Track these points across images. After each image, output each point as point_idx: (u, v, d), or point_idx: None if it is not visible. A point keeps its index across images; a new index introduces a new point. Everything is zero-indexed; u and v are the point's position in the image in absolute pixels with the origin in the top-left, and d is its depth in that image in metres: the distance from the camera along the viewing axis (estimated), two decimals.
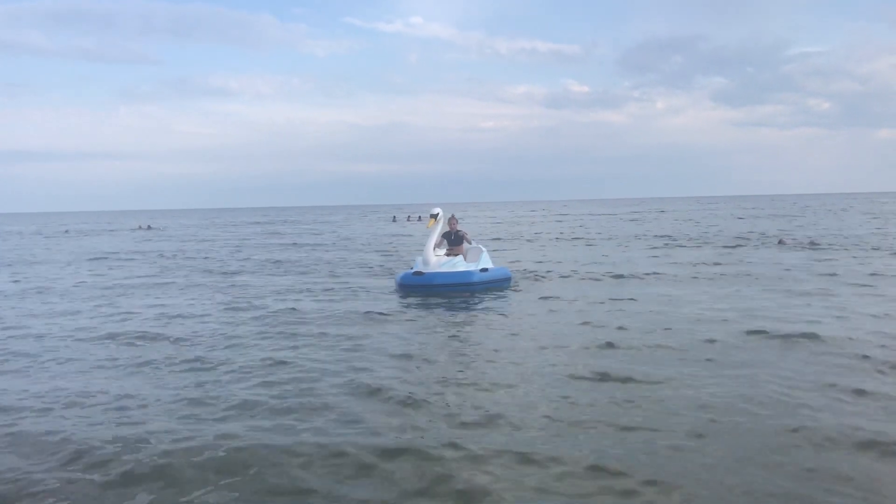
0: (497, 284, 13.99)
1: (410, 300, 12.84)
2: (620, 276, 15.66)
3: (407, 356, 8.25)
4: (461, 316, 11.24)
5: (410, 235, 35.96)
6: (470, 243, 14.87)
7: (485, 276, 13.73)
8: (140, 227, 61.75)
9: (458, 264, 13.80)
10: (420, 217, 62.64)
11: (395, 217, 71.40)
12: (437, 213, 14.30)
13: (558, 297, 12.72)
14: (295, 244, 32.03)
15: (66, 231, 57.87)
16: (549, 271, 17.00)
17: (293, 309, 11.88)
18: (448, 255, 14.33)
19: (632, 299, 12.22)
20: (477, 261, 14.17)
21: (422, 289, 13.39)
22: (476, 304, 12.38)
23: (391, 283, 14.72)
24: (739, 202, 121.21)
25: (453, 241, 14.63)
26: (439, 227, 14.26)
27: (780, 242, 23.36)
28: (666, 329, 9.51)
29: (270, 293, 14.16)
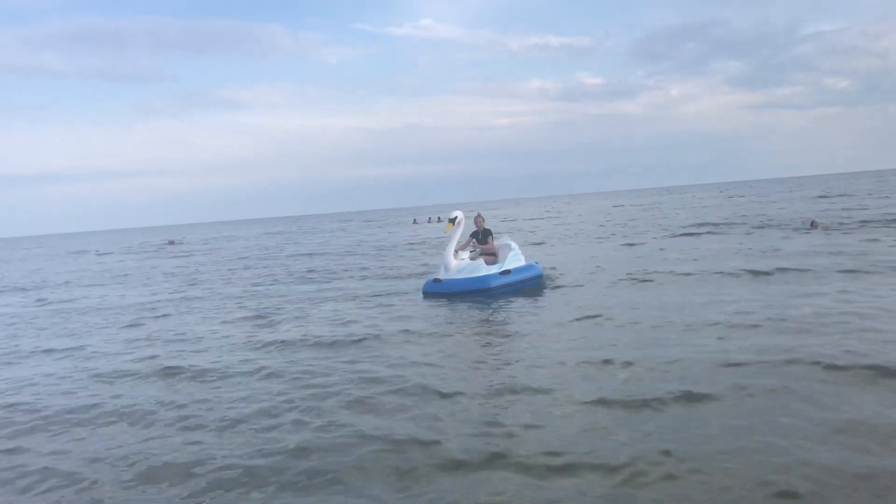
0: (522, 286, 13.62)
1: (435, 310, 12.53)
2: (669, 273, 14.54)
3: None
4: (476, 327, 10.61)
5: (435, 238, 35.86)
6: (493, 239, 14.69)
7: (505, 279, 13.42)
8: (171, 242, 62.07)
9: (478, 268, 13.53)
10: (440, 218, 62.71)
11: (415, 220, 71.49)
12: (456, 217, 14.12)
13: (601, 306, 11.34)
14: (323, 252, 32.09)
15: (97, 252, 58.25)
16: (578, 271, 16.05)
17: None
18: (475, 255, 14.24)
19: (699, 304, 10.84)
20: (504, 259, 13.97)
21: (443, 296, 13.39)
22: (504, 309, 12.00)
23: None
24: (759, 186, 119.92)
25: (481, 239, 14.53)
26: (459, 231, 14.08)
27: (812, 225, 22.99)
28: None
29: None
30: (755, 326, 9.00)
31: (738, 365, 7.25)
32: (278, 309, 13.68)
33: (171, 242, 62.46)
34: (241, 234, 78.04)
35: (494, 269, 13.58)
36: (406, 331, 10.39)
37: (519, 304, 12.26)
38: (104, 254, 50.70)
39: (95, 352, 10.70)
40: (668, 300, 11.49)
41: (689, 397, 6.31)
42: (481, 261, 13.83)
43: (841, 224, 23.57)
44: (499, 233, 19.51)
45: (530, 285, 13.76)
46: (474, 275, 13.43)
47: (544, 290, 13.58)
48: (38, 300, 19.59)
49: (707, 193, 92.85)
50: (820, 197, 48.99)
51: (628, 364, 7.57)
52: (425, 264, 20.65)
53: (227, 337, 11.03)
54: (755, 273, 13.68)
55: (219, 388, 7.87)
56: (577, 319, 10.38)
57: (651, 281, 13.85)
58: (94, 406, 7.49)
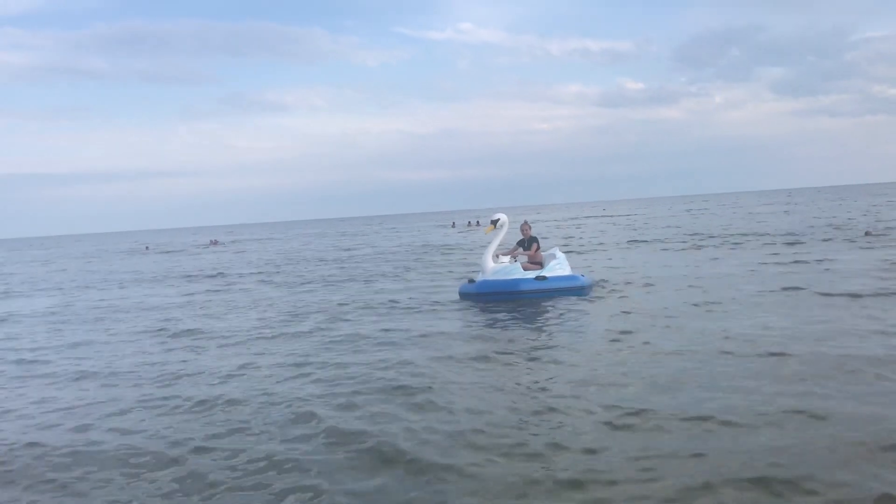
0: (560, 293, 13.24)
1: (469, 310, 12.68)
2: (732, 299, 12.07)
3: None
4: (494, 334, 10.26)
5: (471, 244, 35.53)
6: (538, 248, 14.27)
7: (539, 284, 13.24)
8: (213, 242, 62.89)
9: (513, 271, 13.40)
10: (479, 222, 62.37)
11: (454, 223, 71.29)
12: (498, 220, 13.96)
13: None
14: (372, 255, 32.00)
15: (141, 250, 59.23)
16: (627, 282, 14.94)
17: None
18: (522, 262, 13.91)
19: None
20: (546, 266, 13.69)
21: (475, 297, 13.52)
22: (542, 314, 11.78)
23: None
24: (805, 194, 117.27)
25: (526, 247, 14.22)
26: (501, 234, 13.94)
27: (867, 234, 22.15)
28: None
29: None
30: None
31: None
32: (306, 307, 13.52)
33: (214, 242, 63.34)
34: (281, 235, 78.68)
35: (530, 275, 13.36)
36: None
37: (558, 316, 11.63)
38: (165, 252, 51.45)
39: None
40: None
41: None
42: (518, 264, 13.56)
43: (888, 230, 23.64)
44: (548, 244, 18.97)
45: (568, 294, 13.29)
46: (507, 277, 13.35)
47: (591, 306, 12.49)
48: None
49: (756, 201, 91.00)
50: (869, 205, 47.53)
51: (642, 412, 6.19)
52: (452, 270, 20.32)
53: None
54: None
55: None
56: (614, 341, 9.26)
57: (717, 305, 11.58)
58: None
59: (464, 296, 13.81)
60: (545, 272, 13.43)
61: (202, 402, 7.47)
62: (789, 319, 9.87)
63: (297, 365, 8.99)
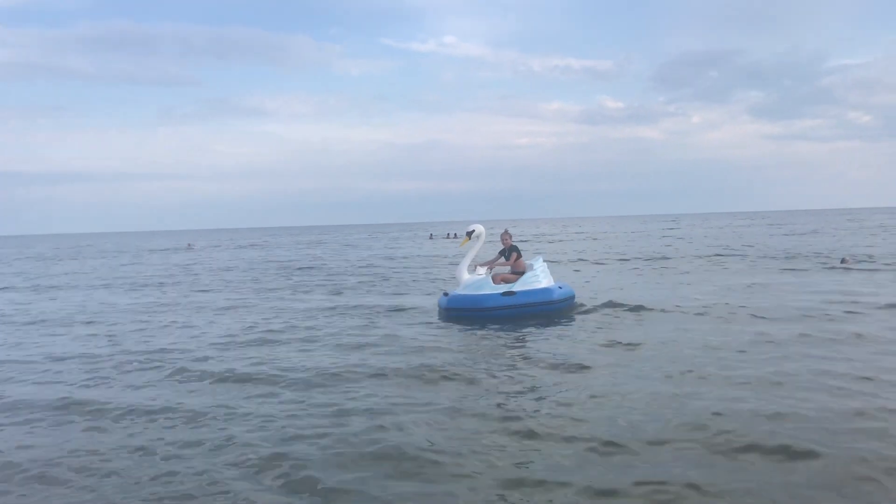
0: (532, 309, 12.39)
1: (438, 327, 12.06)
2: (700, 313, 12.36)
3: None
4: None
5: (447, 256, 35.35)
6: (518, 257, 13.36)
7: (506, 300, 12.38)
8: (190, 246, 62.32)
9: (482, 286, 12.61)
10: (456, 234, 62.18)
11: (431, 235, 71.08)
12: (473, 231, 13.39)
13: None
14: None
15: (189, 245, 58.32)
16: (602, 301, 13.82)
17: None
18: (503, 273, 13.19)
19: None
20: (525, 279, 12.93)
21: (448, 312, 12.75)
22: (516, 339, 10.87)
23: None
24: (778, 217, 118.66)
25: (507, 257, 13.41)
26: (477, 246, 13.38)
27: (843, 262, 22.15)
28: None
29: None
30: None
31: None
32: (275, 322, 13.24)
33: (190, 246, 62.72)
34: (259, 240, 78.01)
35: (501, 289, 12.56)
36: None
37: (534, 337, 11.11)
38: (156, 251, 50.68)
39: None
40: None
41: None
42: (488, 278, 12.78)
43: (869, 258, 23.20)
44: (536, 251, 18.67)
45: (542, 311, 12.46)
46: (474, 293, 12.59)
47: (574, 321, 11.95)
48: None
49: (728, 222, 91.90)
50: (844, 229, 48.08)
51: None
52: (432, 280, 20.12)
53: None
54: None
55: None
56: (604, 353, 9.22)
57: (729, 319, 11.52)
58: None
59: (440, 310, 13.05)
60: (517, 286, 12.62)
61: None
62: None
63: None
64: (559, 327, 11.55)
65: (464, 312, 12.50)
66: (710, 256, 27.27)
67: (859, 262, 21.99)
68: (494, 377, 8.11)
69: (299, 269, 28.56)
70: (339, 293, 18.03)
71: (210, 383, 8.25)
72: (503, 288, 12.59)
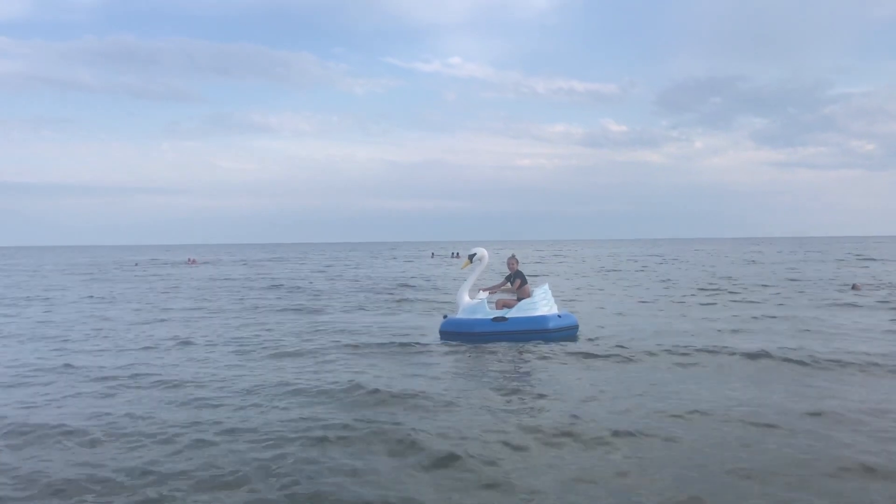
0: (524, 337, 12.01)
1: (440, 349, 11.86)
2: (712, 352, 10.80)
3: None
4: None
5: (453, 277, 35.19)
6: (522, 283, 12.97)
7: (496, 326, 12.14)
8: (191, 261, 62.41)
9: (476, 311, 12.44)
10: (458, 254, 62.16)
11: (433, 254, 71.14)
12: (475, 254, 13.12)
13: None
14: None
15: (136, 264, 58.37)
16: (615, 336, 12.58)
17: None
18: (506, 298, 12.92)
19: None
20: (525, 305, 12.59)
21: (441, 335, 12.68)
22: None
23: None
24: (781, 244, 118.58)
25: (512, 282, 13.11)
26: (479, 269, 13.11)
27: (854, 288, 22.08)
28: None
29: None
30: None
31: None
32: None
33: (191, 261, 62.76)
34: (259, 257, 78.00)
35: (495, 314, 12.36)
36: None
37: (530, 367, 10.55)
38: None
39: None
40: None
41: None
42: (483, 303, 12.57)
43: (881, 284, 23.45)
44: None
45: (536, 339, 12.01)
46: (468, 317, 12.47)
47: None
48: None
49: (731, 248, 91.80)
50: (843, 259, 47.94)
51: None
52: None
53: None
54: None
55: None
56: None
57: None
58: None
59: (441, 333, 12.79)
60: (511, 312, 12.32)
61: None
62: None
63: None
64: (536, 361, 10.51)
65: (455, 337, 12.42)
66: (749, 287, 24.99)
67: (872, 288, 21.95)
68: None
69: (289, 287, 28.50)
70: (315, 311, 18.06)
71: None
72: (497, 314, 12.37)
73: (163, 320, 16.65)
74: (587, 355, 10.73)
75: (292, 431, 6.68)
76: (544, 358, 10.60)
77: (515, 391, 8.49)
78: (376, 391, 8.30)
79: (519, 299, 12.71)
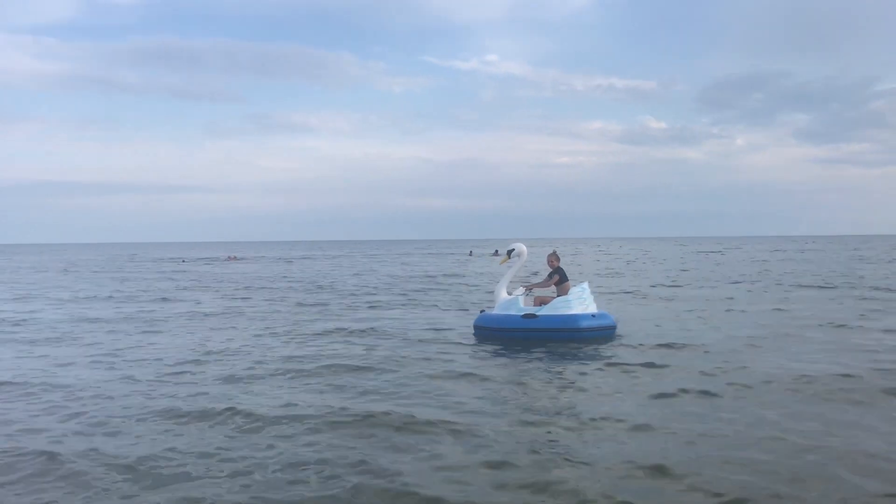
0: (554, 335, 11.80)
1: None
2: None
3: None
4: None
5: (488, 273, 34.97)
6: (562, 280, 12.76)
7: (528, 323, 11.96)
8: (231, 258, 63.22)
9: (510, 307, 12.35)
10: (497, 252, 61.85)
11: (471, 251, 70.95)
12: (513, 250, 13.02)
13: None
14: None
15: (183, 261, 59.16)
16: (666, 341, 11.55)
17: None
18: (544, 296, 12.80)
19: None
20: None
21: (475, 330, 12.83)
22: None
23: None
24: (827, 242, 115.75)
25: (553, 279, 12.84)
26: (517, 265, 13.05)
27: None
28: None
29: None
30: None
31: None
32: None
33: (231, 258, 63.54)
34: (299, 254, 78.68)
35: (530, 310, 12.16)
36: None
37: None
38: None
39: None
40: None
41: None
42: (516, 299, 12.46)
43: None
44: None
45: (566, 337, 11.79)
46: (500, 313, 12.41)
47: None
48: None
49: (783, 246, 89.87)
50: None
51: None
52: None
53: None
54: None
55: None
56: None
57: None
58: None
59: (474, 327, 12.91)
60: (543, 310, 12.12)
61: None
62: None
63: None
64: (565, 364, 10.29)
65: (486, 332, 12.49)
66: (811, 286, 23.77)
67: None
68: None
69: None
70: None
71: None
72: (528, 310, 12.21)
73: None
74: (610, 363, 9.98)
75: None
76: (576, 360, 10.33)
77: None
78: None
79: (559, 297, 12.45)
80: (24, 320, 16.36)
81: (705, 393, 7.93)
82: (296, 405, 7.57)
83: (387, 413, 7.12)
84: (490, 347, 11.51)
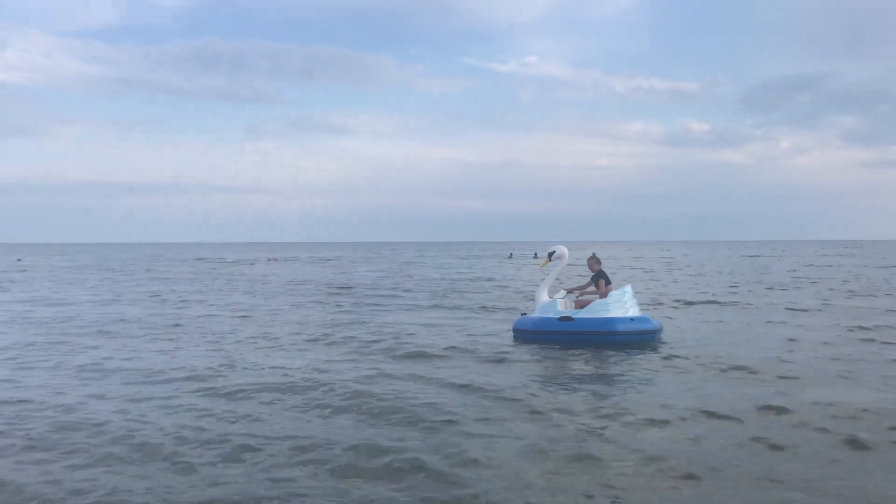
0: (591, 338, 11.56)
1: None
2: None
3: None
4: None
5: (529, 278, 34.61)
6: (606, 283, 12.62)
7: (563, 325, 11.76)
8: (272, 259, 63.92)
9: (548, 309, 12.19)
10: (536, 254, 61.40)
11: (511, 254, 70.64)
12: (553, 253, 12.89)
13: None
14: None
15: (234, 261, 60.05)
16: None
17: None
18: (585, 299, 12.53)
19: None
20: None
21: (514, 333, 12.84)
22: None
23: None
24: (879, 247, 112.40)
25: (596, 283, 12.70)
26: (558, 268, 12.83)
27: None
28: None
29: None
30: None
31: None
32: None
33: (272, 259, 64.19)
34: (333, 255, 79.08)
35: (567, 313, 12.02)
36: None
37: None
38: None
39: None
40: None
41: None
42: (555, 302, 12.29)
43: None
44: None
45: (604, 341, 11.50)
46: (540, 315, 12.31)
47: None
48: None
49: (836, 250, 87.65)
50: None
51: None
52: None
53: None
54: None
55: None
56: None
57: None
58: None
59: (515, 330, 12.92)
60: (582, 312, 11.86)
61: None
62: None
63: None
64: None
65: (523, 335, 12.48)
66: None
67: None
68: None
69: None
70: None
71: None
72: (565, 313, 12.02)
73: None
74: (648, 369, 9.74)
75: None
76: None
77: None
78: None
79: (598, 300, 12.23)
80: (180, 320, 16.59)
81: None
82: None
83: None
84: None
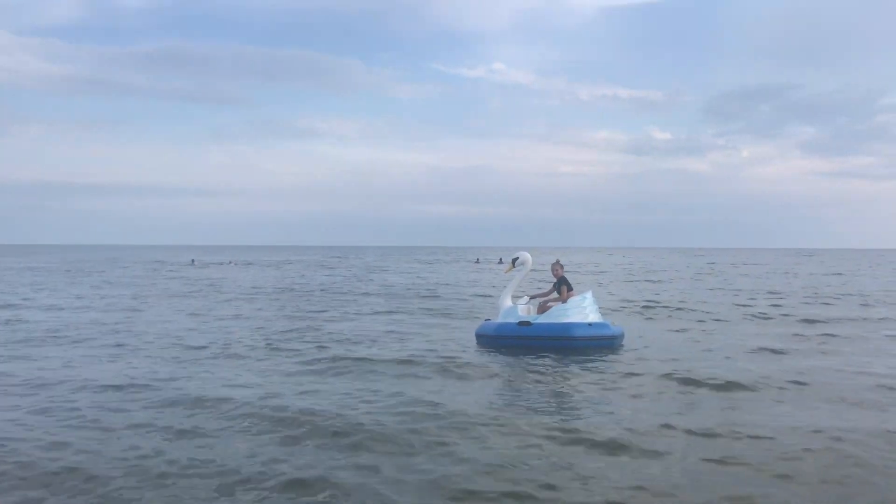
0: (549, 343, 11.52)
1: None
2: None
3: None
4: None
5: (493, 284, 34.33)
6: (568, 290, 12.54)
7: (522, 331, 11.77)
8: (230, 262, 62.95)
9: (508, 315, 12.16)
10: (501, 260, 61.25)
11: (477, 259, 70.44)
12: (517, 259, 12.86)
13: None
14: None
15: (193, 261, 58.63)
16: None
17: None
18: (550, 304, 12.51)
19: None
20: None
21: (478, 338, 12.61)
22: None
23: None
24: (831, 255, 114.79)
25: (558, 290, 12.65)
26: (521, 274, 12.82)
27: None
28: None
29: None
30: None
31: None
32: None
33: (232, 262, 63.16)
34: (298, 258, 78.18)
35: (527, 318, 12.02)
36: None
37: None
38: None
39: None
40: None
41: None
42: (515, 308, 12.26)
43: None
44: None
45: (562, 346, 11.49)
46: (499, 321, 12.30)
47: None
48: None
49: (785, 259, 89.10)
50: None
51: None
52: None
53: None
54: None
55: None
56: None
57: None
58: None
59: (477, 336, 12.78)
60: (541, 318, 11.92)
61: None
62: None
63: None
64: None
65: (485, 339, 12.39)
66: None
67: None
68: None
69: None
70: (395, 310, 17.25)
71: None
72: (524, 318, 12.06)
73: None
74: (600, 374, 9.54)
75: None
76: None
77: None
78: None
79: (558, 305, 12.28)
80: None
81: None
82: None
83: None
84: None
